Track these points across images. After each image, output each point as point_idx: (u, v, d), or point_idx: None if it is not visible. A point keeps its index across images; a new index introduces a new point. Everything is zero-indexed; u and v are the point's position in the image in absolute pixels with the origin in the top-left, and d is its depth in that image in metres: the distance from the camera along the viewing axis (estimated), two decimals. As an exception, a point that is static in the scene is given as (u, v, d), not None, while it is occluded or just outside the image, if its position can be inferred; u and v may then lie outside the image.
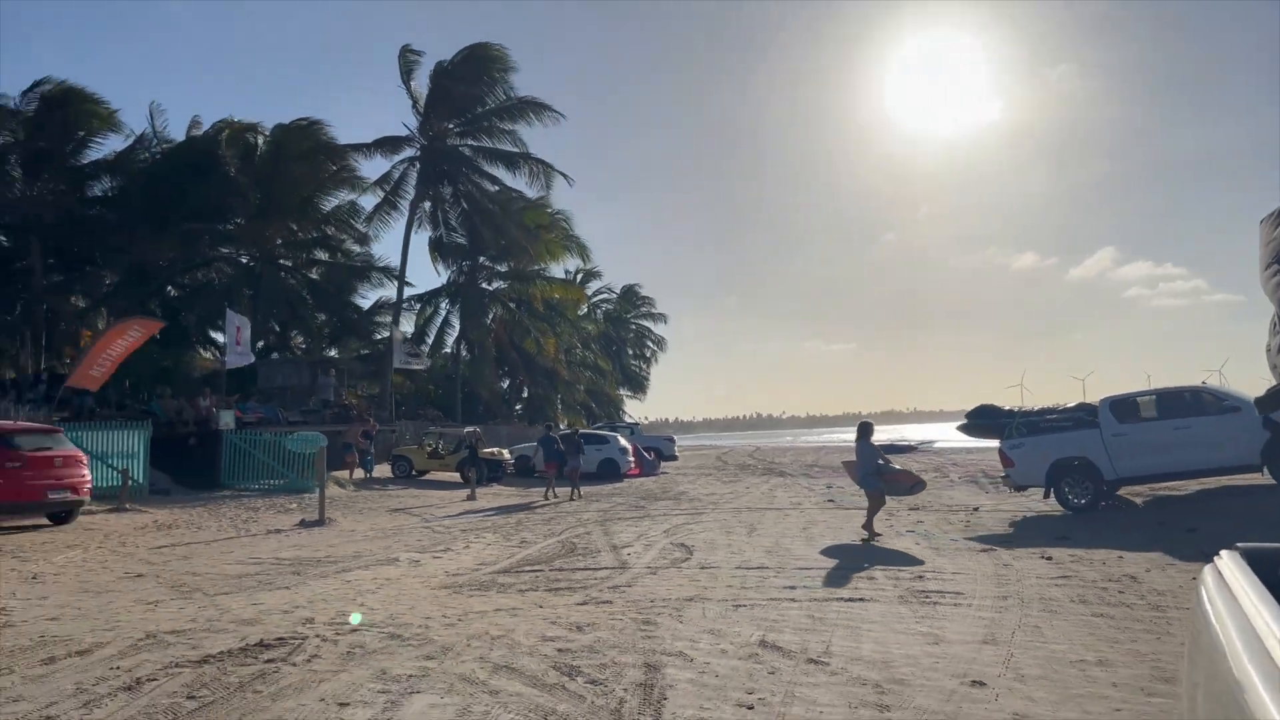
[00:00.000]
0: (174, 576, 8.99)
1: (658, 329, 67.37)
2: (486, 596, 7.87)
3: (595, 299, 57.59)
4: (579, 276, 48.36)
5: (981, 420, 15.63)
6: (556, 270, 43.51)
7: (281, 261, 30.94)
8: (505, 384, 41.81)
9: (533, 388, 41.09)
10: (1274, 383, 10.36)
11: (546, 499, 18.35)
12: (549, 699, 4.75)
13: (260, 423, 21.59)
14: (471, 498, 18.63)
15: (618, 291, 64.56)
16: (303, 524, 13.77)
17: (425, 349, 32.63)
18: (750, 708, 4.55)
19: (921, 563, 9.20)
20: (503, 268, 38.04)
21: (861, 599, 7.36)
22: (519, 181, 33.23)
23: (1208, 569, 1.99)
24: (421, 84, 31.44)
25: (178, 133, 33.09)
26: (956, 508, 14.77)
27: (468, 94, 30.82)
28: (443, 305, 36.83)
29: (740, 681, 5.03)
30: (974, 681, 4.94)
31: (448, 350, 37.28)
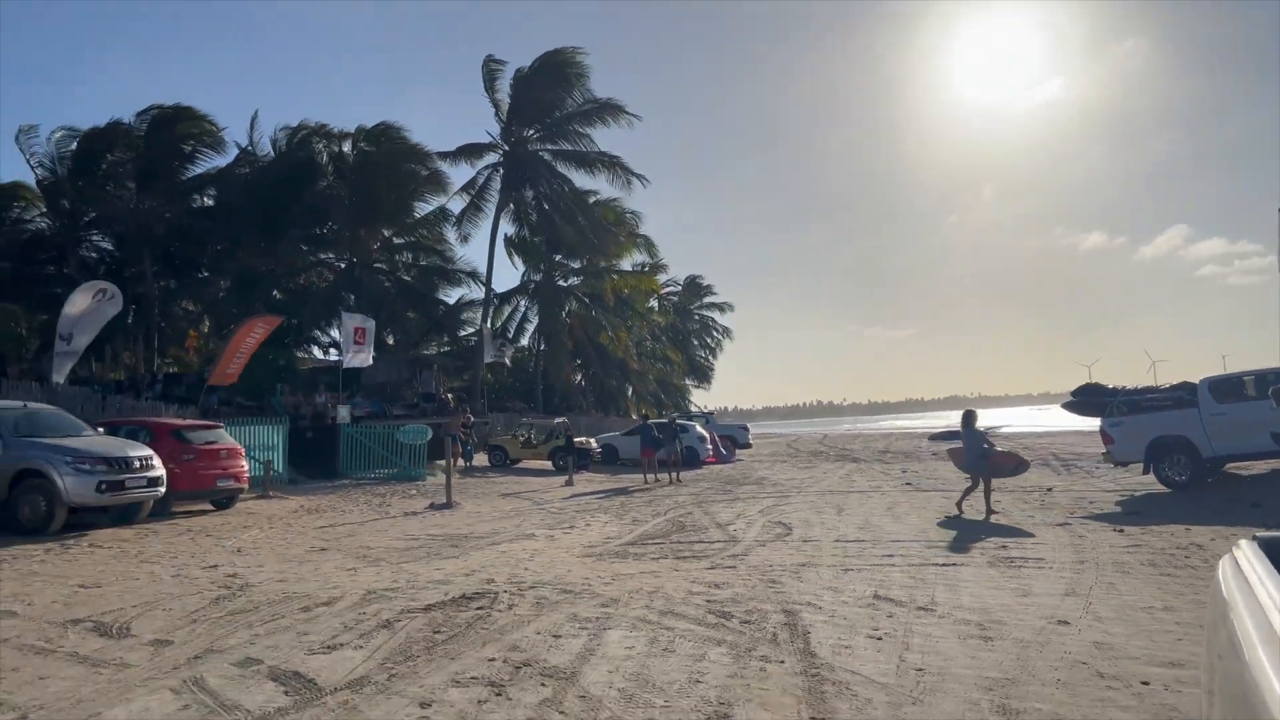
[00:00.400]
0: (353, 549, 10.50)
1: (722, 318, 68.27)
2: (625, 563, 9.18)
3: (662, 291, 58.78)
4: (645, 268, 49.60)
5: (1086, 398, 16.61)
6: (625, 265, 45.04)
7: (377, 265, 32.89)
8: (578, 376, 43.36)
9: (605, 379, 42.59)
10: None
11: (646, 483, 19.72)
12: (715, 633, 6.02)
13: (369, 416, 23.37)
14: (569, 483, 20.06)
15: (681, 283, 65.70)
16: (432, 507, 15.30)
17: (510, 343, 34.27)
18: (879, 639, 5.77)
19: (1005, 535, 10.28)
20: (577, 264, 39.60)
21: (954, 564, 8.51)
22: (597, 181, 34.79)
23: (1226, 558, 1.99)
24: (502, 92, 33.10)
25: (266, 131, 35.22)
26: (1031, 488, 15.69)
27: (546, 99, 32.42)
28: (521, 302, 38.63)
29: (865, 622, 6.24)
30: (1059, 621, 6.09)
31: (525, 345, 39.08)
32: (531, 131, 33.81)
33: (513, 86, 32.69)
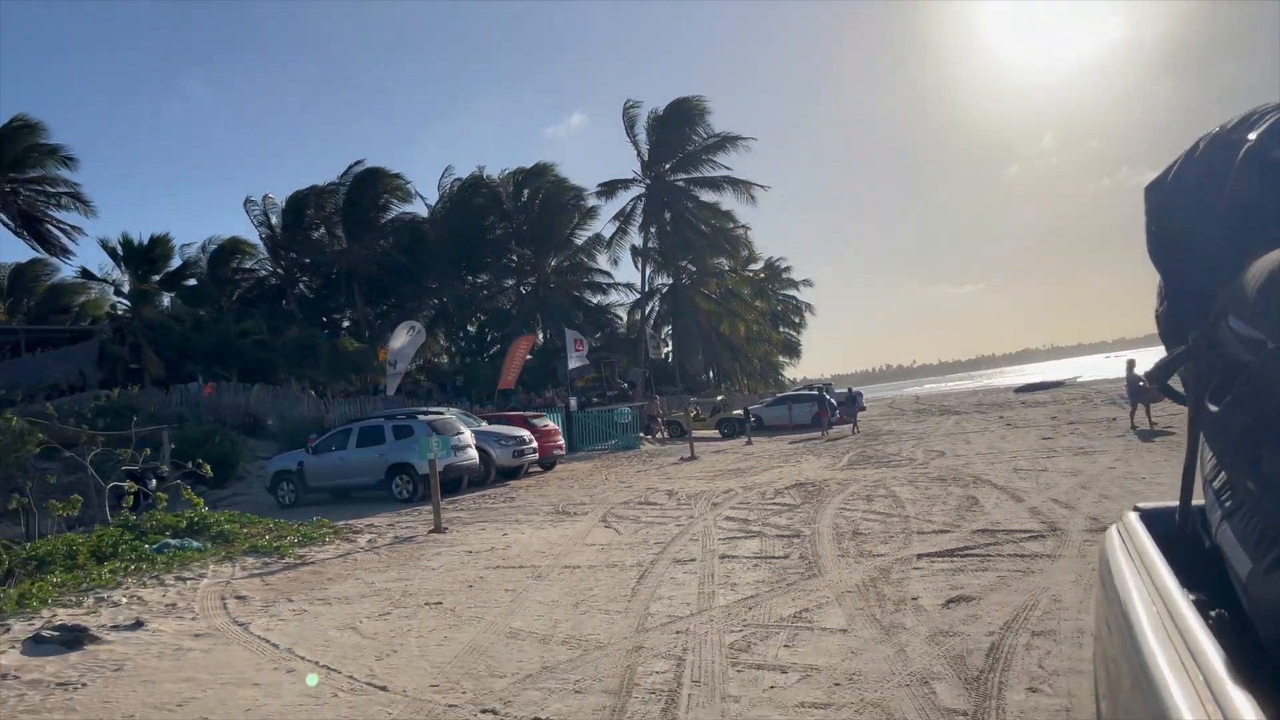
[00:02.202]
0: (679, 483, 17.55)
1: (803, 295, 74.50)
2: (853, 472, 16.00)
3: (756, 278, 65.41)
4: (746, 264, 56.29)
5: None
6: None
7: (553, 284, 40.52)
8: (700, 360, 50.48)
9: (724, 362, 49.60)
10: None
11: (823, 437, 26.64)
12: (935, 488, 12.86)
13: (580, 405, 30.73)
14: (749, 443, 27.04)
15: (761, 265, 72.14)
16: (682, 459, 22.37)
17: (668, 339, 41.55)
18: (1022, 478, 12.55)
19: (1085, 442, 16.93)
20: (694, 267, 46.66)
21: (1053, 456, 15.23)
22: (723, 196, 41.97)
23: (1111, 529, 2.04)
24: (640, 133, 40.49)
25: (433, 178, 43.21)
26: (1103, 420, 22.14)
27: (677, 136, 39.54)
28: (654, 302, 45.87)
29: (1011, 475, 13.00)
30: (1109, 467, 12.83)
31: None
32: (667, 166, 41.02)
33: (649, 129, 40.00)
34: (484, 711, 4.68)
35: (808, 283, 74.45)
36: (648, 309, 43.66)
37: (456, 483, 17.34)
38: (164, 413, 22.81)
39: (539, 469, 21.58)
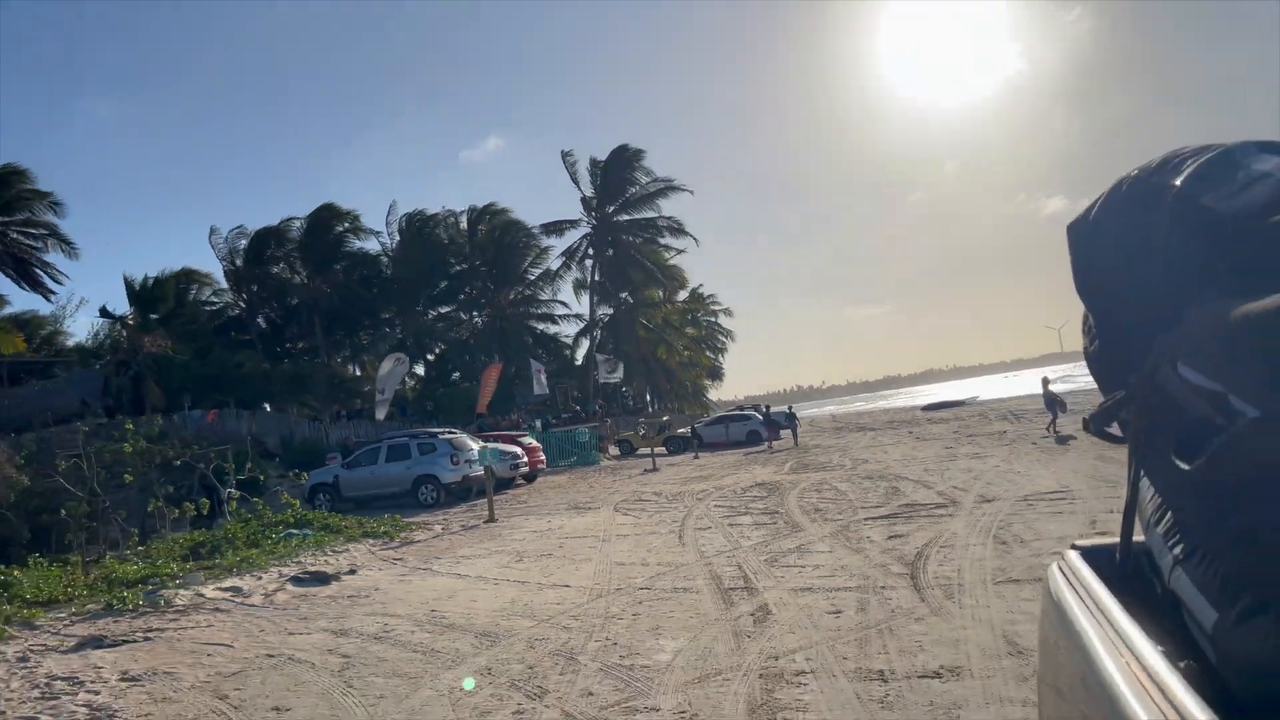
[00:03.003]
0: (656, 483, 21.14)
1: (725, 322, 79.28)
2: (798, 475, 19.87)
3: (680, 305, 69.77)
4: (676, 292, 60.57)
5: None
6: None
7: (509, 315, 43.87)
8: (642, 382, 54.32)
9: (660, 386, 53.55)
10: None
11: (768, 449, 30.58)
12: (867, 483, 16.80)
13: (543, 426, 34.06)
14: (697, 457, 30.81)
15: (687, 293, 76.73)
16: (645, 471, 25.95)
17: (616, 363, 45.14)
18: (931, 475, 16.58)
19: (980, 449, 21.20)
20: (632, 299, 50.64)
21: (955, 458, 19.39)
22: (662, 237, 46.13)
23: (1053, 567, 2.02)
24: (583, 179, 44.48)
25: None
26: (995, 432, 26.66)
27: (619, 181, 43.63)
28: (600, 332, 49.60)
29: (921, 473, 17.03)
30: (987, 463, 16.99)
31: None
32: (610, 209, 45.00)
33: (591, 174, 44.07)
34: (642, 588, 8.25)
35: (728, 311, 79.25)
36: (593, 337, 47.29)
37: (467, 491, 20.57)
38: (177, 438, 25.30)
39: (523, 482, 24.88)
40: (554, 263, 46.20)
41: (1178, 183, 1.62)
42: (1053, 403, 23.94)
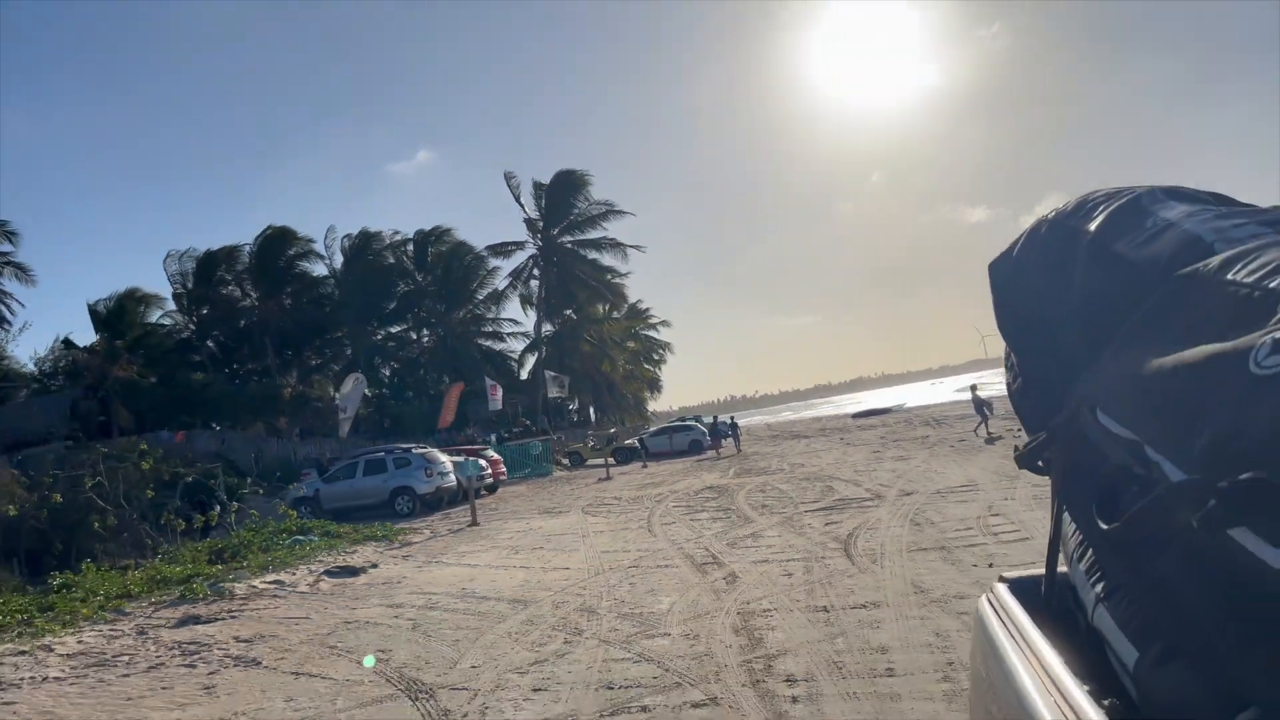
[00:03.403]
0: (610, 493, 23.04)
1: (662, 335, 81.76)
2: (743, 479, 22.00)
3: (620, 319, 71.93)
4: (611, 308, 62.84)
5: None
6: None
7: (460, 334, 45.33)
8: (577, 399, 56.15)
9: (603, 400, 55.50)
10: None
11: (717, 456, 32.68)
12: (805, 484, 19.00)
13: (497, 440, 35.68)
14: (645, 466, 32.80)
15: (626, 308, 79.01)
16: (599, 480, 27.83)
17: (564, 379, 46.85)
18: (861, 476, 18.85)
19: (899, 451, 23.63)
20: (575, 315, 52.57)
21: (882, 460, 21.75)
22: (605, 256, 48.29)
23: (983, 599, 2.04)
24: (528, 203, 46.39)
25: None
26: (919, 437, 29.24)
27: (563, 203, 45.64)
28: (545, 348, 51.37)
29: (852, 474, 19.30)
30: (912, 464, 19.36)
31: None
32: (555, 231, 46.97)
33: (536, 196, 46.07)
34: (630, 567, 10.19)
35: (665, 323, 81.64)
36: (539, 354, 49.08)
37: (439, 501, 22.22)
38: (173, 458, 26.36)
39: (486, 492, 26.55)
40: (501, 282, 48.10)
41: (1091, 228, 1.65)
42: (981, 406, 26.46)
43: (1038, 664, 1.49)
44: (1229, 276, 1.24)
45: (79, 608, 9.79)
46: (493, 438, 33.73)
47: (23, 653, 7.89)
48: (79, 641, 8.30)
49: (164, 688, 6.76)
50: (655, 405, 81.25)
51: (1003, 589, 1.97)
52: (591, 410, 55.87)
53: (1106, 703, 1.28)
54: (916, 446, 25.37)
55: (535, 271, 47.05)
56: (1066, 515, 1.65)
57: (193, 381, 32.20)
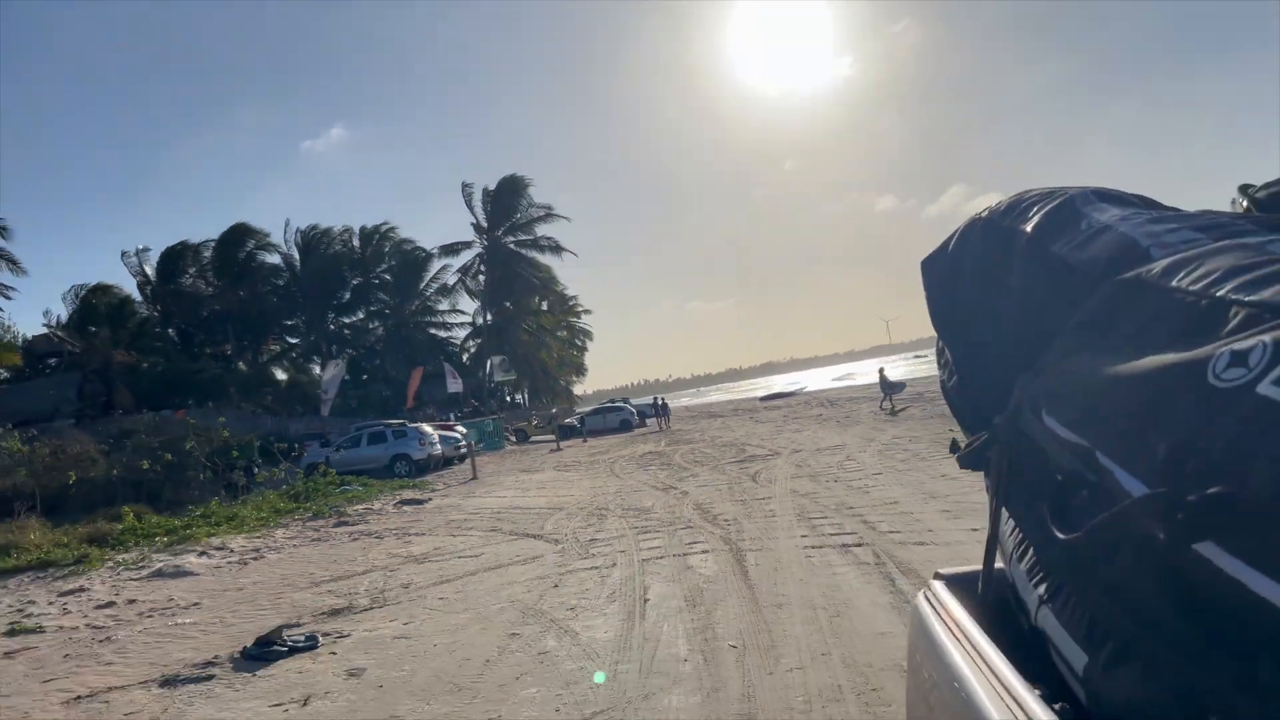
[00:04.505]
0: (569, 460, 28.34)
1: (585, 322, 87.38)
2: (674, 447, 27.58)
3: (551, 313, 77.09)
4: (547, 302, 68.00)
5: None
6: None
7: (413, 323, 49.81)
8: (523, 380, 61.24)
9: (538, 383, 60.75)
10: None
11: (659, 429, 38.22)
12: (729, 451, 24.73)
13: (455, 419, 40.51)
14: (585, 440, 38.17)
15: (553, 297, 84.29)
16: (552, 450, 33.07)
17: (510, 365, 51.70)
18: (775, 442, 24.65)
19: (817, 429, 29.64)
20: (511, 306, 57.62)
21: (798, 429, 27.67)
22: (544, 256, 53.48)
23: (920, 595, 2.05)
24: (475, 203, 51.13)
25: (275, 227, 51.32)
26: (813, 416, 35.38)
27: (507, 206, 50.57)
28: (487, 336, 56.29)
29: (769, 441, 25.09)
30: (837, 446, 25.30)
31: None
32: (499, 232, 51.89)
33: (483, 202, 50.78)
34: (615, 493, 15.66)
35: (588, 311, 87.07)
36: (482, 342, 53.92)
37: (427, 466, 27.24)
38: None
39: (458, 461, 31.57)
40: (450, 278, 53.00)
41: (1028, 229, 1.63)
42: (888, 386, 32.37)
43: (984, 665, 1.47)
44: (1174, 284, 1.23)
45: (249, 519, 14.79)
46: (452, 416, 38.55)
47: (218, 548, 12.89)
48: (284, 533, 13.36)
49: (361, 550, 11.89)
50: (581, 389, 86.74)
51: (940, 586, 1.97)
52: (524, 394, 61.04)
53: (1058, 707, 1.27)
54: (809, 422, 31.39)
55: (481, 268, 52.03)
56: (1005, 514, 1.63)
57: (185, 366, 35.96)
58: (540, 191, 53.95)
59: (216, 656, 6.83)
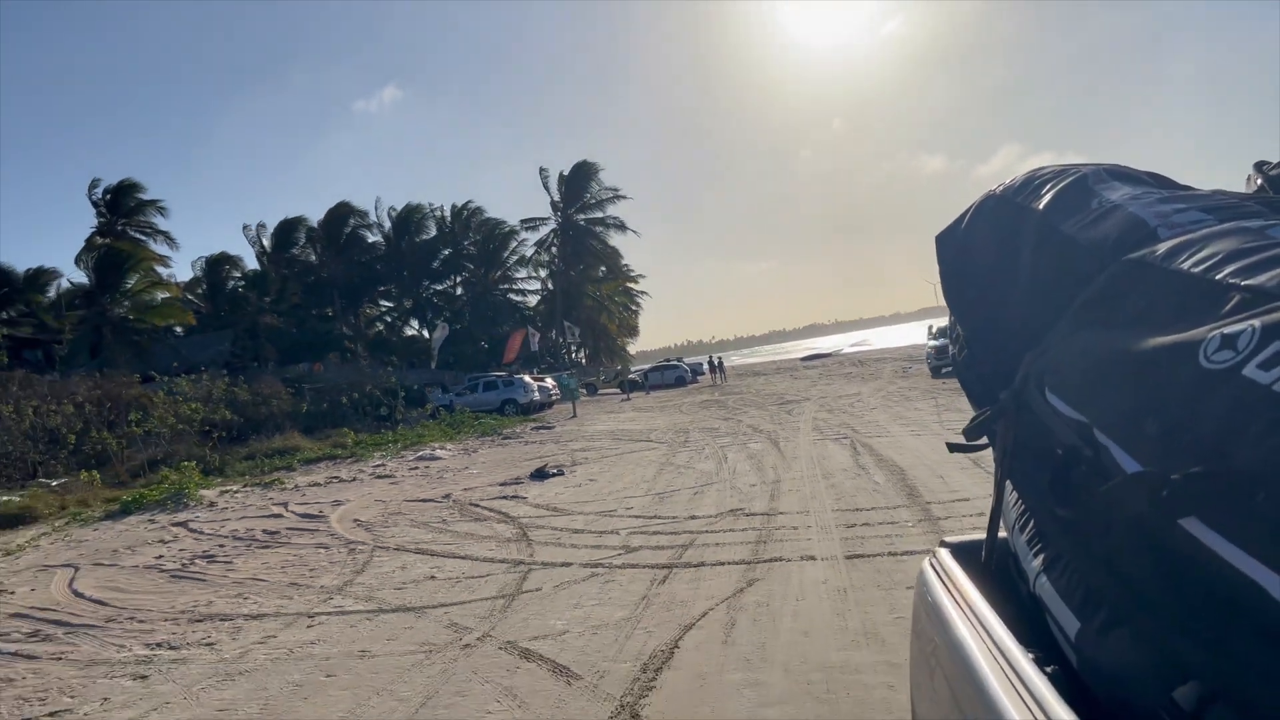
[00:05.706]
0: (656, 404, 34.96)
1: (639, 287, 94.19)
2: (725, 397, 34.01)
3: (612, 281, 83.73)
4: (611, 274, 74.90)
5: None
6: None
7: (496, 291, 56.91)
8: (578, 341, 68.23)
9: (598, 344, 67.74)
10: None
11: (713, 383, 44.79)
12: (765, 400, 31.16)
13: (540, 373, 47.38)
14: (648, 393, 44.77)
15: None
16: (625, 400, 39.72)
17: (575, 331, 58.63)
18: (809, 391, 31.03)
19: (851, 385, 35.95)
20: (577, 277, 64.50)
21: (829, 382, 34.03)
22: (609, 234, 60.35)
23: (925, 563, 2.08)
24: (551, 184, 57.91)
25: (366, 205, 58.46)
26: (844, 374, 41.61)
27: (579, 189, 57.23)
28: (559, 302, 63.39)
29: (803, 392, 31.46)
30: (854, 394, 31.65)
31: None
32: (572, 211, 58.64)
33: (559, 184, 57.45)
34: (690, 421, 22.28)
35: (643, 276, 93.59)
36: (555, 308, 60.97)
37: (529, 408, 34.15)
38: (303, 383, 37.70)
39: (546, 407, 38.39)
40: (528, 250, 60.14)
41: (1039, 207, 1.64)
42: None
43: (983, 631, 1.50)
44: (1176, 266, 1.24)
45: (440, 436, 21.66)
46: (534, 371, 45.45)
47: (443, 449, 19.67)
48: (475, 441, 20.21)
49: (536, 449, 18.56)
50: (634, 349, 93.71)
51: (945, 554, 2.01)
52: (585, 353, 68.17)
53: (1050, 670, 1.30)
54: (839, 379, 37.67)
55: (555, 242, 59.05)
56: (1009, 485, 1.65)
57: (318, 326, 43.12)
58: (586, 149, 60.20)
59: (518, 478, 13.56)
